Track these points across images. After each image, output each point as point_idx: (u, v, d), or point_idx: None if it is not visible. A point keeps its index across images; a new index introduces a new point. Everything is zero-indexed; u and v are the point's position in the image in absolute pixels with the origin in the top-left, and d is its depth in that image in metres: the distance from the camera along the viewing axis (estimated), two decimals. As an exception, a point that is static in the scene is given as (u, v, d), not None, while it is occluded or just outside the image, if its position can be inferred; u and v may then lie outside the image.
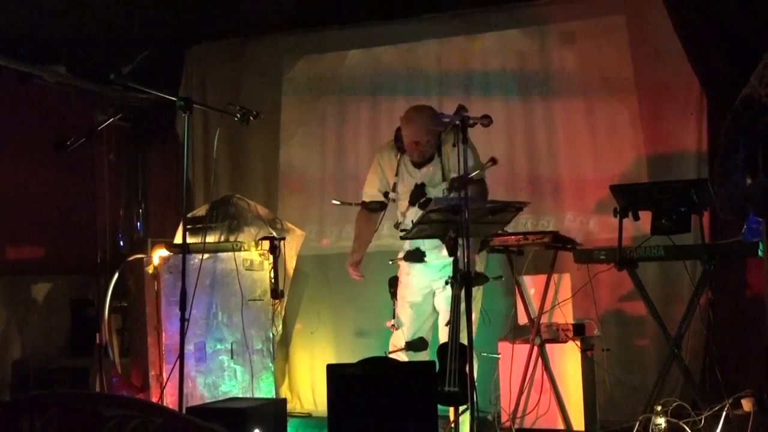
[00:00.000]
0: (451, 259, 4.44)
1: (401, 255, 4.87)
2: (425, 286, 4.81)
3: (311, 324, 6.43)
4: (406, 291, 4.84)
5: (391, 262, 4.99)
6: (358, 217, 5.09)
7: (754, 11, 4.83)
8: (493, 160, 4.48)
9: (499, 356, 5.06)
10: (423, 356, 4.78)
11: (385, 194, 4.94)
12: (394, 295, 4.93)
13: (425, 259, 4.77)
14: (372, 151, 5.30)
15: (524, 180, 5.99)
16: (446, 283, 4.41)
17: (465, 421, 4.47)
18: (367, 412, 4.12)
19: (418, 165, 4.79)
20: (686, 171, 5.56)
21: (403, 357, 4.78)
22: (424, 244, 4.73)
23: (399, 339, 4.83)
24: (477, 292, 4.68)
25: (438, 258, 4.71)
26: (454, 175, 4.53)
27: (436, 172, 4.75)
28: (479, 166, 4.61)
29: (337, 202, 5.44)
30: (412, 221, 4.57)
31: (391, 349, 4.85)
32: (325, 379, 4.26)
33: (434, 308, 4.84)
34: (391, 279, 4.97)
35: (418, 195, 4.77)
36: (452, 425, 4.45)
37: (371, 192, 4.98)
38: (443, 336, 4.63)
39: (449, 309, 4.63)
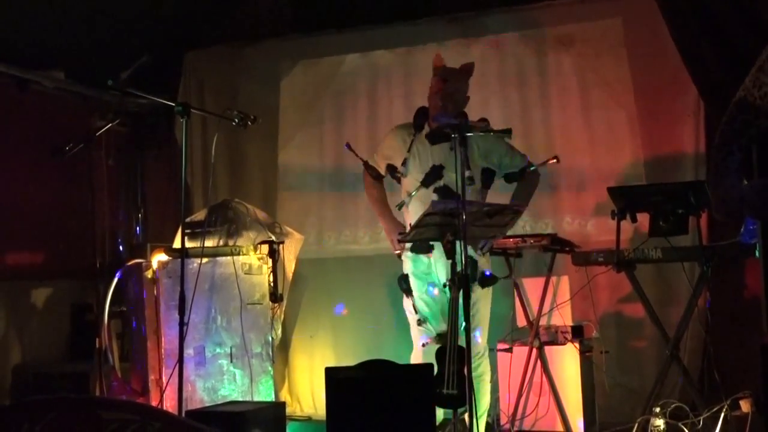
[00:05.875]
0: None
1: (408, 246, 4.74)
2: (432, 286, 4.75)
3: (311, 328, 6.43)
4: (417, 289, 4.75)
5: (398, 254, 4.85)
6: (366, 184, 5.07)
7: (749, 14, 4.84)
8: (556, 159, 4.88)
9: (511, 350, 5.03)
10: None
11: (390, 168, 4.88)
12: (407, 291, 4.75)
13: (433, 249, 4.65)
14: (370, 155, 5.28)
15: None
16: (444, 285, 4.40)
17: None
18: (365, 415, 4.12)
19: (433, 140, 4.75)
20: (684, 173, 5.56)
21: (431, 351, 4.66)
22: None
23: (429, 331, 4.72)
24: (488, 292, 4.69)
25: (442, 255, 4.63)
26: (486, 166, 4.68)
27: (453, 156, 4.59)
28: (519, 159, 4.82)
29: (351, 148, 5.22)
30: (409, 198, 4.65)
31: (423, 341, 4.74)
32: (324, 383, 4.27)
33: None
34: (401, 276, 4.81)
35: (434, 176, 4.69)
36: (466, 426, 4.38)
37: (376, 158, 4.96)
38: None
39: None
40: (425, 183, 4.70)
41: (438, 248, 4.62)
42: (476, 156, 4.63)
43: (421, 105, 4.93)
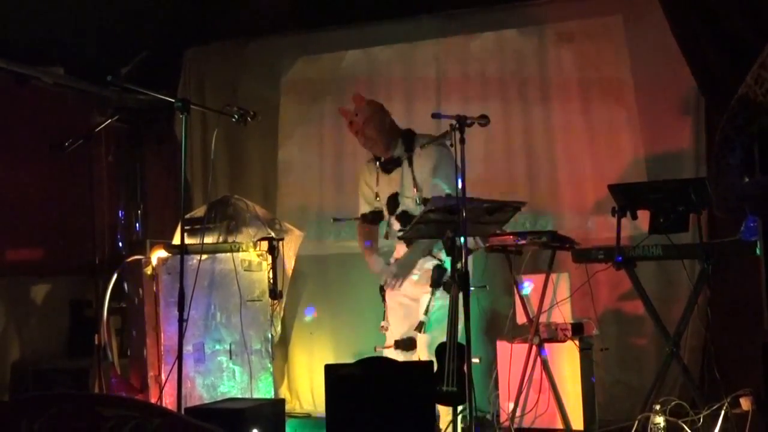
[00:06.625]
0: (430, 266, 4.50)
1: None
2: (411, 294, 4.80)
3: (310, 325, 6.43)
4: (393, 294, 4.84)
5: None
6: (358, 231, 5.10)
7: (751, 11, 4.83)
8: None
9: (478, 361, 5.00)
10: (411, 356, 4.77)
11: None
12: (384, 298, 4.92)
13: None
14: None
15: (522, 180, 5.99)
16: (440, 285, 4.44)
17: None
18: (365, 412, 4.12)
19: (386, 169, 4.82)
20: (684, 170, 5.56)
21: (391, 355, 4.77)
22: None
23: (388, 339, 4.84)
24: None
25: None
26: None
27: (405, 180, 4.77)
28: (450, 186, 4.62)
29: (339, 219, 5.44)
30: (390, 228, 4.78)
31: (382, 346, 4.85)
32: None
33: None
34: (381, 285, 4.96)
35: (393, 205, 4.82)
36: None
37: (364, 207, 5.03)
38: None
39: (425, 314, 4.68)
40: (389, 212, 4.86)
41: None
42: (425, 173, 4.68)
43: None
